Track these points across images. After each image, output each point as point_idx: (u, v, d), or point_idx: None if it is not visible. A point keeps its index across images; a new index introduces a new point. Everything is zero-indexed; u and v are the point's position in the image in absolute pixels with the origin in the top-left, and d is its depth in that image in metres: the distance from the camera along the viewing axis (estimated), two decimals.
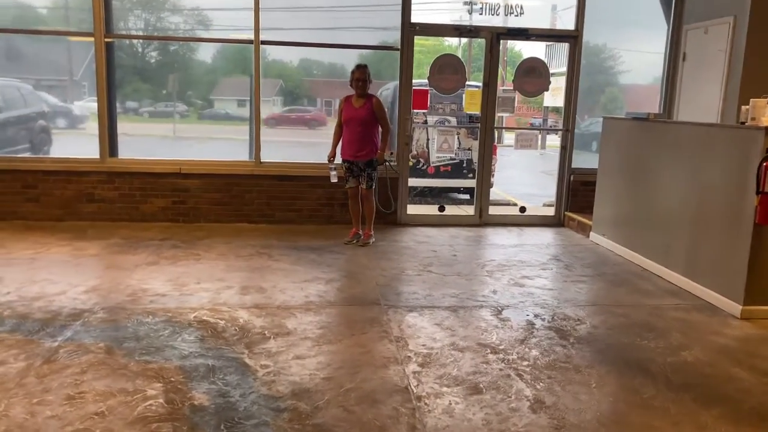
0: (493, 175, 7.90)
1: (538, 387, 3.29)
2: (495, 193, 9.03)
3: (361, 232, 6.41)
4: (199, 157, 7.18)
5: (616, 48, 7.92)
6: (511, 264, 5.74)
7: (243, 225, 7.04)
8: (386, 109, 6.43)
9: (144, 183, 6.93)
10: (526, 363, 3.57)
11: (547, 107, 20.70)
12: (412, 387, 3.24)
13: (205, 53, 8.03)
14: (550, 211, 7.76)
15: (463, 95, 7.82)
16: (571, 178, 7.52)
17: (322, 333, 3.93)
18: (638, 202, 5.94)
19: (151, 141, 8.76)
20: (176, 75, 8.30)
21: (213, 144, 9.64)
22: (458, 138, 8.92)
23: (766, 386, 3.41)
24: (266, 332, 3.91)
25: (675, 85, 7.39)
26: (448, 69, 7.11)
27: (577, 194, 7.55)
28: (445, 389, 3.23)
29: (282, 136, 8.62)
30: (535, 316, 4.38)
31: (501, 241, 6.70)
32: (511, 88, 7.37)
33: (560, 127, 7.66)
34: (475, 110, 7.34)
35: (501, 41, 7.29)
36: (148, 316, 4.12)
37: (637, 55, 7.97)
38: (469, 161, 9.33)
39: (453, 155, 8.63)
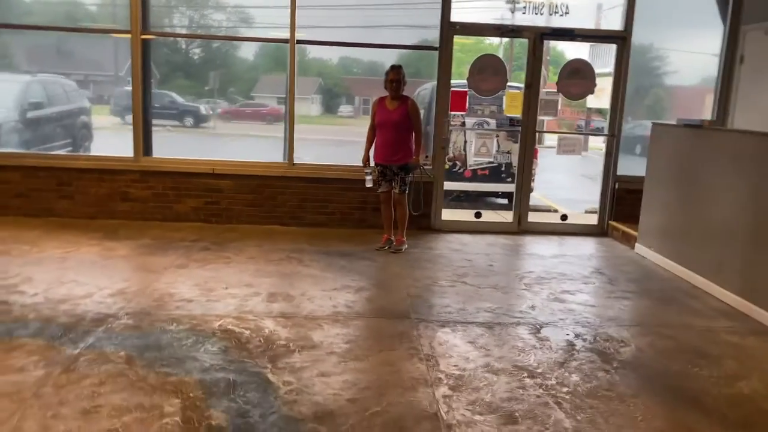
0: (533, 180, 7.61)
1: (579, 418, 3.04)
2: (533, 197, 8.73)
3: (393, 238, 6.22)
4: (233, 158, 7.09)
5: (664, 48, 7.53)
6: (550, 277, 5.47)
7: (274, 227, 6.92)
8: (422, 111, 6.23)
9: (177, 182, 6.87)
10: (565, 390, 3.32)
11: (590, 108, 20.14)
12: (442, 413, 3.03)
13: (247, 51, 7.99)
14: (593, 220, 7.43)
15: (504, 97, 7.53)
16: (616, 185, 7.17)
17: (348, 348, 3.75)
18: (689, 215, 5.59)
19: (185, 138, 8.80)
20: (218, 72, 8.29)
21: (249, 141, 9.61)
22: (497, 141, 8.64)
23: None
24: (291, 345, 3.75)
25: (731, 90, 6.98)
26: (488, 70, 6.85)
27: (622, 203, 7.21)
28: (477, 417, 3.01)
29: (316, 134, 8.53)
30: (576, 335, 4.12)
31: (540, 251, 6.42)
32: (554, 89, 7.07)
33: (605, 130, 7.32)
34: (516, 113, 7.06)
35: (544, 41, 6.99)
36: (173, 324, 4.01)
37: (686, 55, 7.57)
38: (508, 165, 9.03)
39: (492, 159, 8.36)
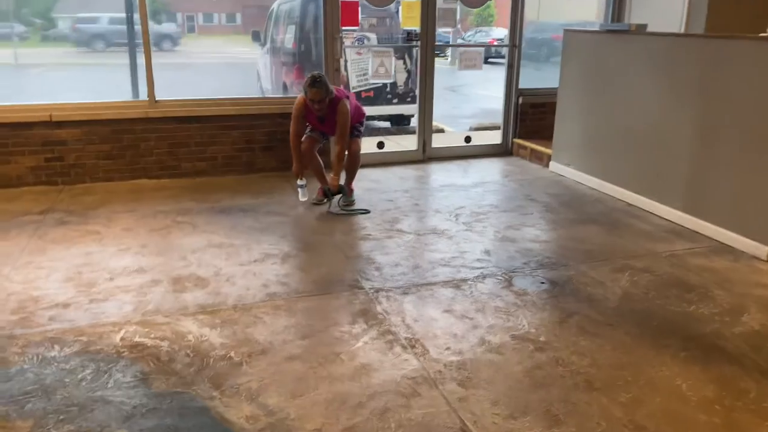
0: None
1: (622, 399, 2.54)
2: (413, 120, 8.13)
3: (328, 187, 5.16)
4: (75, 100, 5.59)
5: None
6: (484, 210, 4.93)
7: (142, 182, 5.65)
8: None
9: (2, 137, 5.28)
10: (586, 361, 2.81)
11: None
12: (470, 427, 2.37)
13: None
14: (497, 139, 6.99)
15: (399, 8, 6.65)
16: (520, 100, 6.73)
17: (308, 346, 2.93)
18: (612, 127, 5.27)
19: None
20: None
21: (81, 72, 7.92)
22: (398, 60, 7.79)
23: None
24: (233, 354, 2.84)
25: None
26: None
27: (525, 119, 6.81)
28: (512, 424, 2.39)
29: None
30: (553, 283, 3.62)
31: (457, 180, 5.85)
32: None
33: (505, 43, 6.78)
34: (414, 25, 6.24)
35: None
36: (53, 346, 2.89)
37: None
38: (393, 84, 8.28)
39: (392, 80, 7.51)
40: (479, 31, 21.97)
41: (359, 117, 5.09)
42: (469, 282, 3.62)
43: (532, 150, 6.52)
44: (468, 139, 6.88)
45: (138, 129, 5.60)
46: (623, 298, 3.43)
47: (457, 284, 3.59)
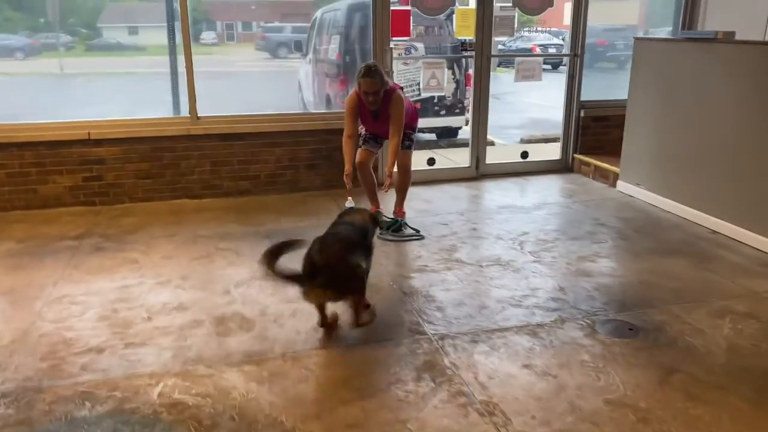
0: (467, 111, 6.54)
1: None
2: (466, 130, 7.73)
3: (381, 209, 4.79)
4: (114, 117, 5.36)
5: None
6: (551, 237, 4.50)
7: (183, 202, 5.37)
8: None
9: (40, 156, 5.07)
10: None
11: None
12: None
13: None
14: (555, 154, 6.52)
15: (453, 15, 6.27)
16: (581, 113, 6.26)
17: (370, 410, 2.54)
18: (693, 144, 4.77)
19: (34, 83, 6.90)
20: None
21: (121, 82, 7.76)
22: (450, 71, 7.43)
23: None
24: (283, 418, 2.47)
25: None
26: None
27: (587, 133, 6.33)
28: None
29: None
30: (643, 331, 3.16)
31: (516, 201, 5.41)
32: (509, 4, 5.89)
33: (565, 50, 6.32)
34: (468, 34, 5.83)
35: None
36: (84, 403, 2.57)
37: None
38: (441, 96, 7.88)
39: (443, 93, 7.13)
40: (519, 37, 21.06)
41: (412, 119, 4.67)
42: (547, 327, 3.19)
43: (596, 167, 6.03)
44: (525, 155, 6.43)
45: (179, 147, 5.33)
46: (730, 352, 2.96)
47: (533, 330, 3.16)
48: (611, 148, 6.32)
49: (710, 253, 4.19)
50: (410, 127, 4.62)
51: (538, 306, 3.43)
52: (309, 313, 3.21)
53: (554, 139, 8.88)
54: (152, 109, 5.78)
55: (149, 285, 3.70)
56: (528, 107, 12.78)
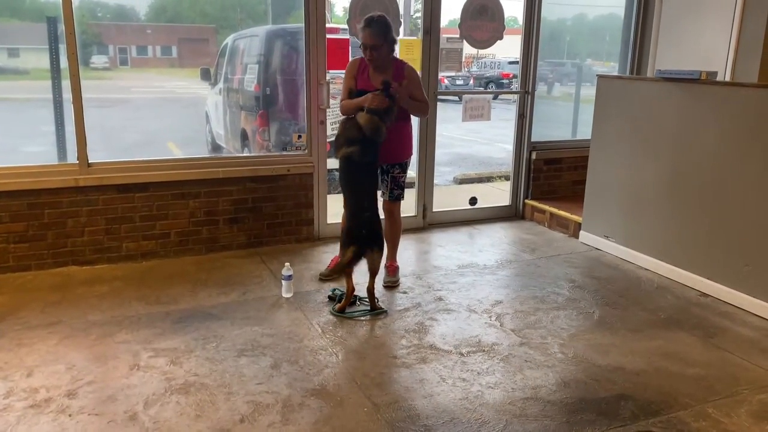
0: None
1: None
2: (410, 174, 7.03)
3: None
4: None
5: None
6: (530, 308, 3.82)
7: (70, 271, 4.27)
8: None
9: None
10: None
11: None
12: None
13: None
14: (504, 200, 5.94)
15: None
16: (533, 155, 5.72)
17: None
18: (670, 194, 4.30)
19: None
20: None
21: None
22: None
23: None
24: None
25: (646, 25, 5.84)
26: (378, 5, 4.80)
27: (539, 177, 5.81)
28: None
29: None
30: None
31: (475, 258, 4.73)
32: (457, 35, 5.28)
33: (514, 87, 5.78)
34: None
35: None
36: None
37: None
38: None
39: None
40: (486, 62, 19.07)
41: (406, 152, 4.07)
42: None
43: (552, 214, 5.49)
44: (473, 201, 5.79)
45: (65, 201, 4.24)
46: None
47: None
48: (564, 193, 5.87)
49: (712, 324, 3.66)
50: (401, 161, 4.00)
51: (546, 415, 2.70)
52: None
53: (488, 178, 8.44)
54: (33, 143, 4.64)
55: (18, 411, 2.64)
56: (450, 142, 12.33)
